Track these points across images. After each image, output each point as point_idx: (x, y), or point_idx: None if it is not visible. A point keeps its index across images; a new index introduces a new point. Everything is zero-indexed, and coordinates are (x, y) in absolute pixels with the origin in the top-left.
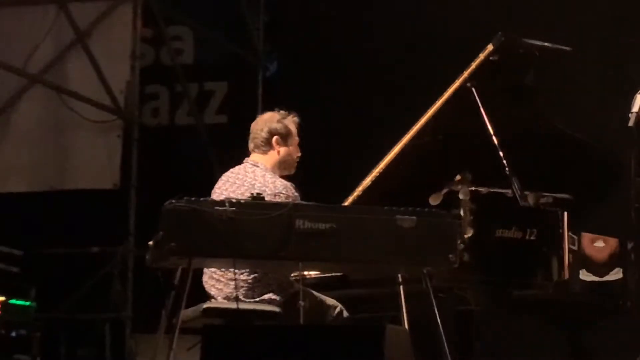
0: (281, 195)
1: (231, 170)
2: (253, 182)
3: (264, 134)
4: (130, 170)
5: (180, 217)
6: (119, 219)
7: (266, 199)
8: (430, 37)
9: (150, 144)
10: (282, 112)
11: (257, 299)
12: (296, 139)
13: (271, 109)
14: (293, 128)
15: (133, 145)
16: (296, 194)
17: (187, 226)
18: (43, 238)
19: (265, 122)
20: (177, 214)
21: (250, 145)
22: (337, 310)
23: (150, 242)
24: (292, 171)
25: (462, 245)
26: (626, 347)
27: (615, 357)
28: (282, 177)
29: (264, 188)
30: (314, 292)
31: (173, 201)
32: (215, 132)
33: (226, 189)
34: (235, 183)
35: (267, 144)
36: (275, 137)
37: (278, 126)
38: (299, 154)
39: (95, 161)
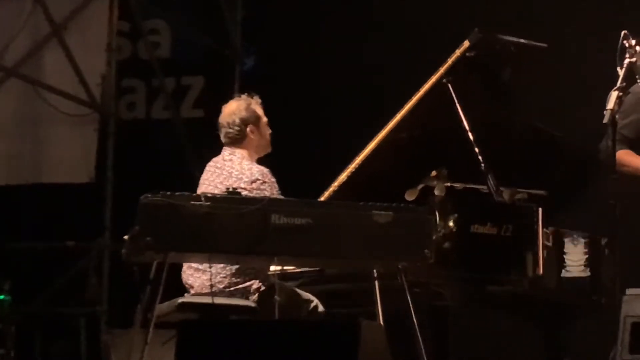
0: (258, 181)
1: (212, 160)
2: (231, 171)
3: (236, 127)
4: (106, 164)
5: (156, 212)
6: (94, 213)
7: (244, 186)
8: (409, 33)
9: (127, 138)
10: (244, 97)
11: (240, 287)
12: (265, 119)
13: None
14: (260, 110)
15: (109, 139)
16: (273, 179)
17: (163, 221)
18: (18, 232)
19: (234, 113)
20: (153, 209)
21: (224, 140)
22: (313, 304)
23: (126, 237)
24: (270, 149)
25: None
26: (599, 343)
27: (588, 353)
28: (261, 160)
29: (240, 176)
30: (289, 286)
31: (149, 195)
32: (191, 126)
33: (207, 179)
34: (215, 172)
35: (242, 135)
36: (249, 127)
37: (248, 115)
38: (270, 131)
39: (71, 155)
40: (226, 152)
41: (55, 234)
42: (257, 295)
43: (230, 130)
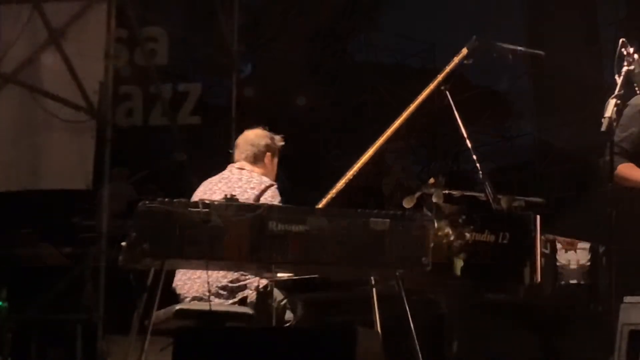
0: (265, 182)
1: (216, 176)
2: (240, 177)
3: (261, 148)
4: (104, 170)
5: (153, 218)
6: (91, 219)
7: (253, 186)
8: (407, 41)
9: (124, 145)
10: (267, 131)
11: (241, 283)
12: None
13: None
14: (279, 147)
15: (106, 146)
16: (277, 190)
17: (160, 227)
18: (15, 238)
19: (261, 137)
20: (150, 215)
21: (241, 156)
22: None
23: (123, 243)
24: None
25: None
26: (596, 351)
27: None
28: None
29: (250, 179)
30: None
31: (146, 202)
32: (188, 133)
33: (210, 188)
34: (220, 182)
35: (261, 159)
36: (268, 154)
37: (272, 144)
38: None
39: (68, 161)
40: (235, 165)
41: (52, 240)
42: (255, 293)
43: (254, 149)
